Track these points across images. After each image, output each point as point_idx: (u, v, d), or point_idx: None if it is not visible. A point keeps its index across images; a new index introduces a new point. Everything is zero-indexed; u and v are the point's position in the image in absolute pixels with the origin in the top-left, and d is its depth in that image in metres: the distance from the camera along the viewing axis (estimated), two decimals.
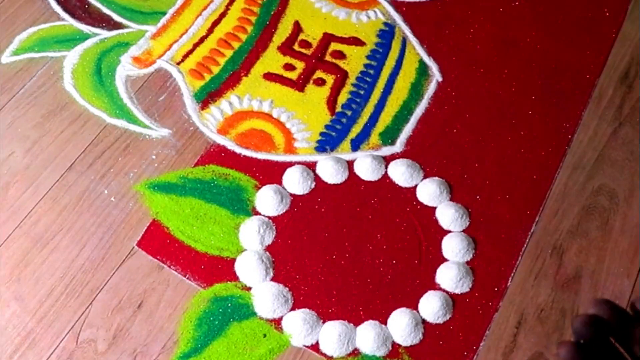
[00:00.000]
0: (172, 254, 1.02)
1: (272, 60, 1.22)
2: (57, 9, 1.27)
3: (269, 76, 1.20)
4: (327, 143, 1.13)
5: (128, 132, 1.13)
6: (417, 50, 1.24)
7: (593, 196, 1.08)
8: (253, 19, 1.27)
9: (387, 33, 1.26)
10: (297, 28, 1.26)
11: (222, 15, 1.27)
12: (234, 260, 1.01)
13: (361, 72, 1.21)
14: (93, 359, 0.93)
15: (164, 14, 1.27)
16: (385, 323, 0.97)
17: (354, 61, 1.22)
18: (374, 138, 1.14)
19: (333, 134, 1.14)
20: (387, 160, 1.11)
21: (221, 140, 1.13)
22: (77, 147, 1.11)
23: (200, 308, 0.97)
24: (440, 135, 1.14)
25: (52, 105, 1.16)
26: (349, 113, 1.16)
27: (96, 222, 1.04)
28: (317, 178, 1.09)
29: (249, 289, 0.99)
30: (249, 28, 1.26)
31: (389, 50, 1.24)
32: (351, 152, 1.12)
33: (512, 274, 1.01)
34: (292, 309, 0.98)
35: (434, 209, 1.07)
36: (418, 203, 1.07)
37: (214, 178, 1.09)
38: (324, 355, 0.95)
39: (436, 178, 1.09)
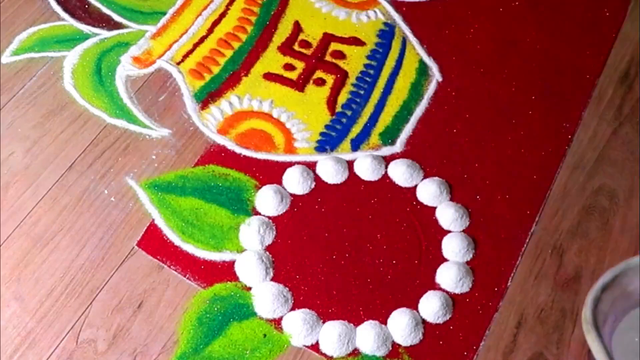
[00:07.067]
0: (172, 254, 1.02)
1: (272, 60, 1.22)
2: (57, 9, 1.27)
3: (269, 76, 1.20)
4: (327, 143, 1.13)
5: (128, 132, 1.13)
6: (417, 50, 1.24)
7: (593, 196, 1.08)
8: (253, 19, 1.27)
9: (387, 33, 1.26)
10: (297, 28, 1.26)
11: (222, 15, 1.27)
12: (234, 260, 1.01)
13: (361, 72, 1.21)
14: (93, 359, 0.93)
15: (164, 14, 1.27)
16: (385, 323, 0.97)
17: (354, 61, 1.22)
18: (374, 138, 1.14)
19: (333, 134, 1.14)
20: (387, 160, 1.11)
21: (221, 140, 1.13)
22: (77, 147, 1.11)
23: (200, 308, 0.97)
24: (440, 135, 1.14)
25: (52, 105, 1.16)
26: (349, 113, 1.16)
27: (96, 222, 1.04)
28: (317, 178, 1.09)
29: (249, 289, 0.99)
30: (249, 28, 1.26)
31: (389, 50, 1.24)
32: (351, 152, 1.12)
33: (512, 274, 1.01)
34: (292, 309, 0.98)
35: (434, 209, 1.07)
36: (418, 203, 1.07)
37: (214, 178, 1.09)
38: (324, 355, 0.95)
39: (436, 178, 1.09)
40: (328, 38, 1.24)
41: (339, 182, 1.09)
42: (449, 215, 1.05)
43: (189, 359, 0.94)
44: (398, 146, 1.13)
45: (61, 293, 0.98)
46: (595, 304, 0.85)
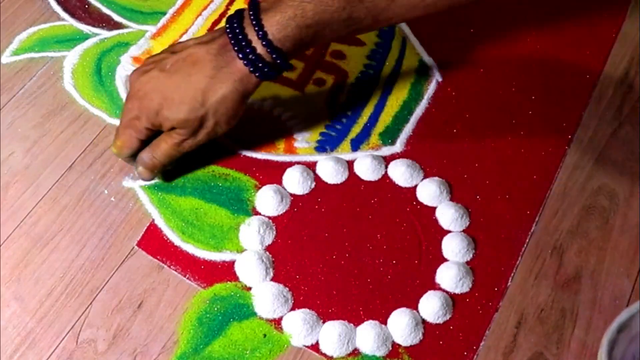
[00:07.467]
0: (172, 254, 1.02)
1: None
2: (57, 9, 1.27)
3: None
4: (327, 143, 1.13)
5: None
6: (417, 50, 1.24)
7: (593, 196, 1.08)
8: None
9: (386, 33, 1.25)
10: None
11: (222, 15, 1.27)
12: (234, 260, 1.01)
13: (361, 72, 1.21)
14: (93, 359, 0.93)
15: (164, 14, 1.27)
16: (385, 323, 0.97)
17: (354, 61, 1.22)
18: (374, 138, 1.14)
19: (333, 134, 1.14)
20: (387, 160, 1.11)
21: (221, 140, 1.13)
22: (77, 147, 1.11)
23: (200, 308, 0.97)
24: (440, 135, 1.14)
25: (52, 105, 1.16)
26: (349, 113, 1.16)
27: (96, 222, 1.04)
28: (317, 178, 1.09)
29: (249, 289, 0.99)
30: None
31: (388, 50, 1.24)
32: (351, 152, 1.12)
33: (512, 274, 1.01)
34: (292, 309, 0.98)
35: (434, 209, 1.07)
36: (418, 203, 1.07)
37: (214, 178, 1.09)
38: (324, 355, 0.95)
39: (436, 178, 1.09)
40: None
41: (339, 182, 1.09)
42: (449, 215, 1.05)
43: (189, 359, 0.94)
44: (398, 146, 1.13)
45: (61, 293, 0.98)
46: (612, 345, 0.82)
